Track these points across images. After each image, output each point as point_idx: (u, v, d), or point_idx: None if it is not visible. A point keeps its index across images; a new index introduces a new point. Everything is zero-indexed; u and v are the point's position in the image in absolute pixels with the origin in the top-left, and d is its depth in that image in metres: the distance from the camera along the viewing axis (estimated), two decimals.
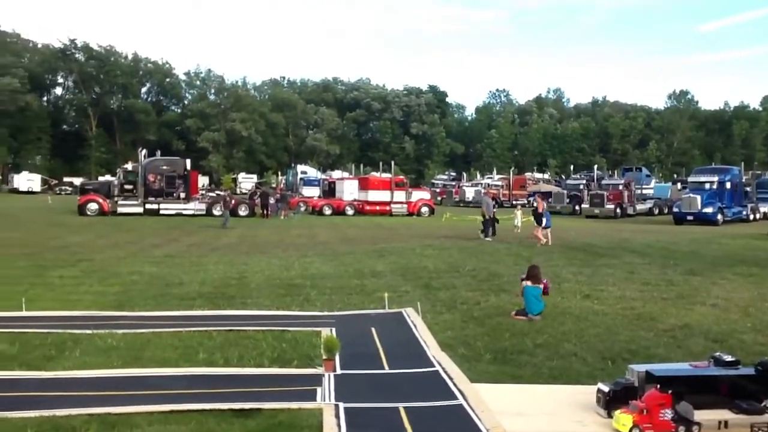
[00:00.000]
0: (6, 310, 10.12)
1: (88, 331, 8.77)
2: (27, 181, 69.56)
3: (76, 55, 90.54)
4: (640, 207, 44.49)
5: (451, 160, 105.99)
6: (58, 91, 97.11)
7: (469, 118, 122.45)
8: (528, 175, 69.89)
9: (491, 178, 66.76)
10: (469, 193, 58.06)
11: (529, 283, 10.21)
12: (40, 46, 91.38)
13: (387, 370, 7.30)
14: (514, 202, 50.93)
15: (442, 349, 8.08)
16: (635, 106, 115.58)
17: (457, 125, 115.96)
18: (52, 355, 7.75)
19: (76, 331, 8.83)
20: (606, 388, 5.92)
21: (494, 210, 25.20)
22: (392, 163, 52.56)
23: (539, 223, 22.52)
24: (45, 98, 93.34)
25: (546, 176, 74.67)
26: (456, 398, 6.30)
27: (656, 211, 44.67)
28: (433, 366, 7.42)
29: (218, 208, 36.93)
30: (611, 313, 10.57)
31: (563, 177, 71.74)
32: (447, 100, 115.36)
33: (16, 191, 67.44)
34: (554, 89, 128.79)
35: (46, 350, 7.93)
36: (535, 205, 24.61)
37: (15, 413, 5.69)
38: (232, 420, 5.66)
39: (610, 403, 5.83)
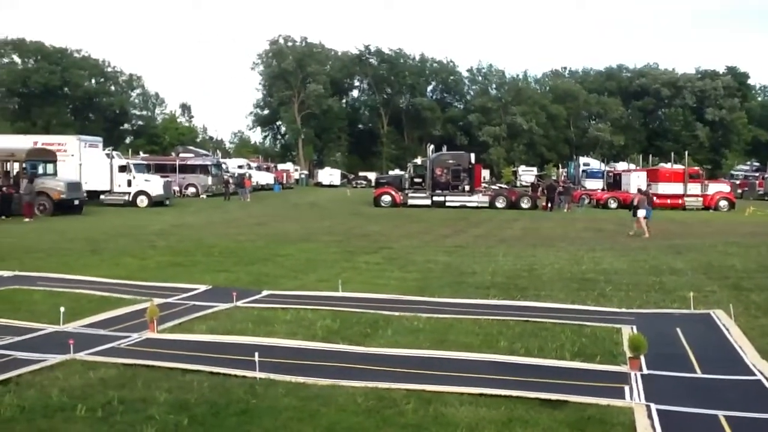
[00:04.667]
0: (326, 290, 11.39)
1: (396, 313, 9.50)
2: (329, 175, 77.26)
3: (370, 60, 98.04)
4: None
5: (754, 149, 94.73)
6: (355, 93, 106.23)
7: None
8: None
9: None
10: None
11: None
12: (339, 53, 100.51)
13: (700, 375, 6.83)
14: None
15: (762, 357, 7.34)
16: None
17: (761, 109, 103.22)
18: (367, 332, 8.54)
19: (385, 312, 9.61)
20: None
21: None
22: (685, 153, 48.49)
23: (635, 215, 22.64)
24: (344, 101, 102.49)
25: None
26: None
27: None
28: (754, 374, 6.78)
29: (526, 200, 39.39)
30: None
31: None
32: (749, 82, 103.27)
33: (320, 185, 75.34)
34: None
35: (362, 328, 8.75)
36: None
37: (345, 381, 6.38)
38: (540, 409, 5.74)
39: None
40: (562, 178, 57.07)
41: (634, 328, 8.54)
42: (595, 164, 59.18)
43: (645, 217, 22.36)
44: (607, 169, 53.74)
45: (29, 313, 9.34)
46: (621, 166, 58.94)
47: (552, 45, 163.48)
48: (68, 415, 5.52)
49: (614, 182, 46.83)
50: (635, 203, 23.45)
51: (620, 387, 6.29)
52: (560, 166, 71.86)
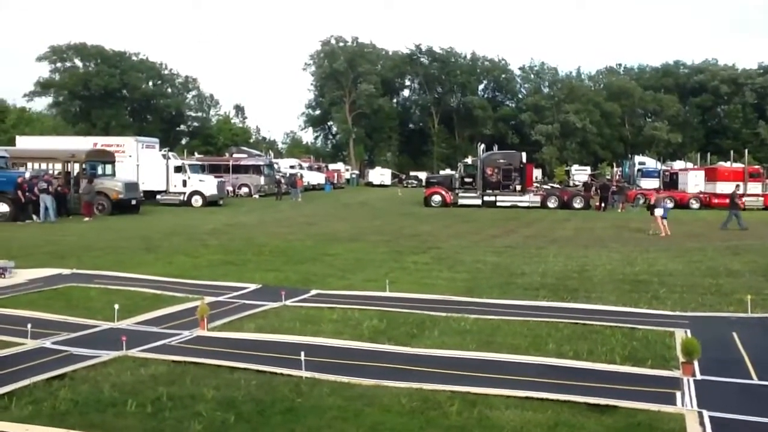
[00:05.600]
0: (373, 289, 11.41)
1: (443, 314, 9.45)
2: (379, 175, 77.52)
3: (421, 59, 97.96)
4: None
5: None
6: (406, 93, 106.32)
7: None
8: None
9: None
10: None
11: None
12: (390, 53, 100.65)
13: (756, 381, 6.60)
14: None
15: None
16: None
17: None
18: (414, 333, 8.51)
19: (432, 312, 9.57)
20: None
21: None
22: (745, 151, 46.97)
23: (653, 213, 23.30)
24: (394, 100, 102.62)
25: None
26: None
27: None
28: None
29: (579, 200, 38.83)
30: None
31: None
32: None
33: (370, 184, 75.65)
34: None
35: (409, 328, 8.73)
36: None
37: (390, 382, 6.37)
38: (588, 414, 5.63)
39: None
40: (617, 177, 56.01)
41: (688, 331, 8.31)
42: (650, 163, 57.95)
43: (663, 217, 22.62)
44: (664, 168, 52.53)
45: (85, 310, 9.62)
46: (678, 164, 57.51)
47: (606, 41, 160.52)
48: (119, 410, 5.67)
49: (671, 182, 45.74)
50: (652, 202, 24.14)
51: (672, 393, 6.12)
52: (614, 165, 70.58)
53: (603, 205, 37.35)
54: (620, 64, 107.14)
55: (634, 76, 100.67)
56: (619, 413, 5.63)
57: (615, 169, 65.81)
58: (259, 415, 5.60)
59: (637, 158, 60.89)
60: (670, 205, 24.24)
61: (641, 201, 41.10)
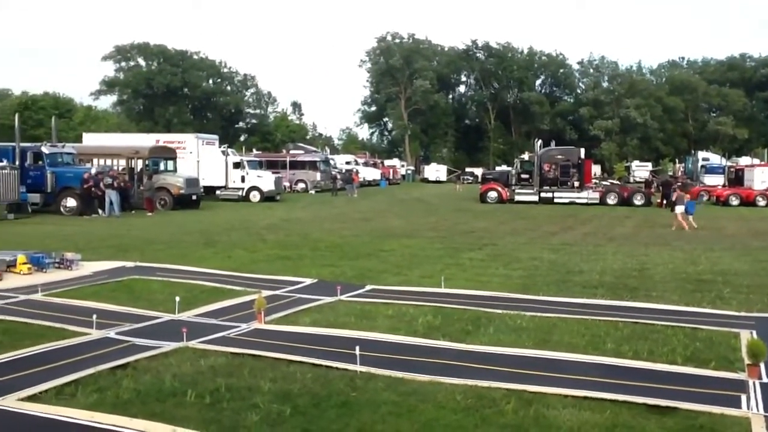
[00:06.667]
0: (429, 286, 11.39)
1: (499, 311, 9.37)
2: (435, 171, 77.39)
3: (477, 55, 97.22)
4: None
5: None
6: (462, 88, 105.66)
7: None
8: None
9: None
10: None
11: None
12: (446, 49, 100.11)
13: None
14: None
15: None
16: None
17: None
18: (469, 329, 8.46)
19: (488, 309, 9.49)
20: None
21: None
22: None
23: (673, 210, 24.06)
24: (450, 96, 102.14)
25: None
26: None
27: None
28: None
29: (639, 197, 38.18)
30: None
31: None
32: None
33: (426, 180, 75.58)
34: None
35: (463, 325, 8.68)
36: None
37: (444, 378, 6.36)
38: (648, 415, 5.50)
39: None
40: (679, 173, 54.48)
41: (754, 333, 8.04)
42: (715, 159, 56.11)
43: (689, 213, 23.39)
44: (729, 164, 50.78)
45: (147, 301, 9.89)
46: (744, 160, 55.53)
47: (668, 34, 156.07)
48: (179, 401, 5.81)
49: (736, 178, 44.22)
50: (673, 199, 24.78)
51: (736, 395, 5.93)
52: (677, 161, 68.61)
53: (665, 202, 36.36)
54: (683, 58, 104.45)
55: (697, 70, 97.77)
56: (679, 415, 5.49)
57: (677, 165, 63.97)
58: (314, 408, 5.66)
59: (701, 154, 59.04)
60: (704, 198, 24.46)
61: (705, 198, 39.86)
